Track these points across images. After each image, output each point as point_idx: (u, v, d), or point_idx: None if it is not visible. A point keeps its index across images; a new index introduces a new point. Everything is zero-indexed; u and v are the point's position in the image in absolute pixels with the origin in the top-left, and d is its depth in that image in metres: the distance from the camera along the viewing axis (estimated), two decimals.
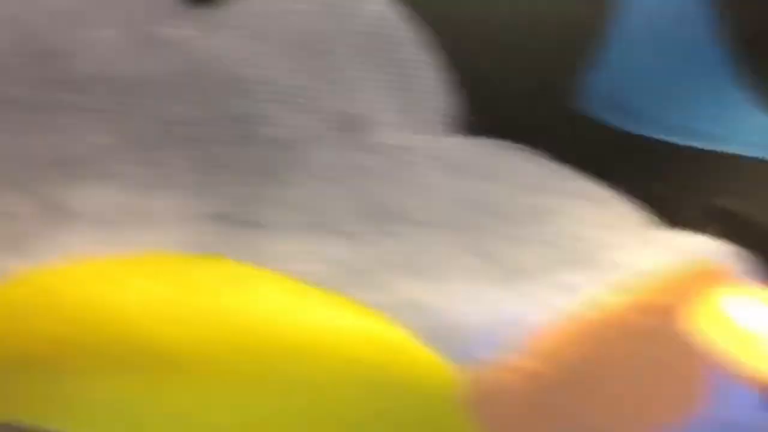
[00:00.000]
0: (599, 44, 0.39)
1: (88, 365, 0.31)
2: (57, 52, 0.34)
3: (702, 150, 0.39)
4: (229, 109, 0.33)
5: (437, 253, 0.35)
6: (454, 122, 0.37)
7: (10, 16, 0.34)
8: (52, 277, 0.32)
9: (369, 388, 0.31)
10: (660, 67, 0.40)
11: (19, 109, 0.34)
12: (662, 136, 0.39)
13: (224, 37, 0.34)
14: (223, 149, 0.33)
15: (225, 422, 0.31)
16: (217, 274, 0.31)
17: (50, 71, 0.34)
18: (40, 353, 0.31)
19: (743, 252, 0.36)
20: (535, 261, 0.35)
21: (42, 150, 0.34)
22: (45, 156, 0.34)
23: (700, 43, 0.40)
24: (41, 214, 0.33)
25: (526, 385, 0.32)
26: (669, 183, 0.39)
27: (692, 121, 0.40)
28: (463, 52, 0.37)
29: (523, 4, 0.39)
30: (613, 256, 0.35)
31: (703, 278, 0.34)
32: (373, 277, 0.33)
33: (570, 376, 0.32)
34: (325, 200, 0.34)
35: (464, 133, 0.37)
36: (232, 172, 0.33)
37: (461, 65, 0.37)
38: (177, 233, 0.33)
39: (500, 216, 0.36)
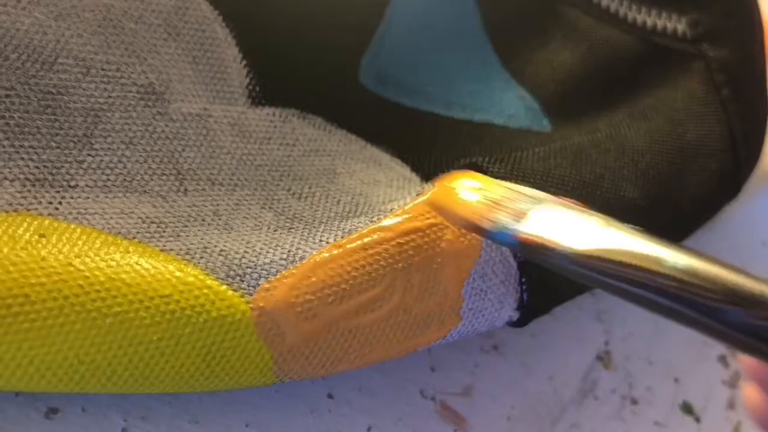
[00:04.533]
0: (380, 26, 0.41)
1: None
2: None
3: (464, 120, 0.42)
4: (38, 82, 0.33)
5: (232, 207, 0.36)
6: (249, 93, 0.38)
7: None
8: None
9: (167, 318, 0.31)
10: (429, 48, 0.42)
11: None
12: (431, 108, 0.42)
13: (32, 15, 0.33)
14: (32, 118, 0.32)
15: (52, 359, 0.29)
16: (29, 230, 0.31)
17: None
18: None
19: None
20: (320, 213, 0.37)
21: None
22: None
23: (464, 25, 0.43)
24: None
25: (300, 304, 0.33)
26: (436, 147, 0.40)
27: (456, 95, 0.42)
28: (259, 30, 0.38)
29: None
30: (389, 208, 0.36)
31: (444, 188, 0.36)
32: (174, 229, 0.34)
33: (341, 292, 0.33)
34: (132, 163, 0.34)
35: (258, 103, 0.38)
36: (42, 139, 0.33)
37: (257, 42, 0.38)
38: None
39: (291, 176, 0.38)
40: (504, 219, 0.31)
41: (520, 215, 0.30)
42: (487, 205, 0.32)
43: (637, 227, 0.28)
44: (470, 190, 0.33)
